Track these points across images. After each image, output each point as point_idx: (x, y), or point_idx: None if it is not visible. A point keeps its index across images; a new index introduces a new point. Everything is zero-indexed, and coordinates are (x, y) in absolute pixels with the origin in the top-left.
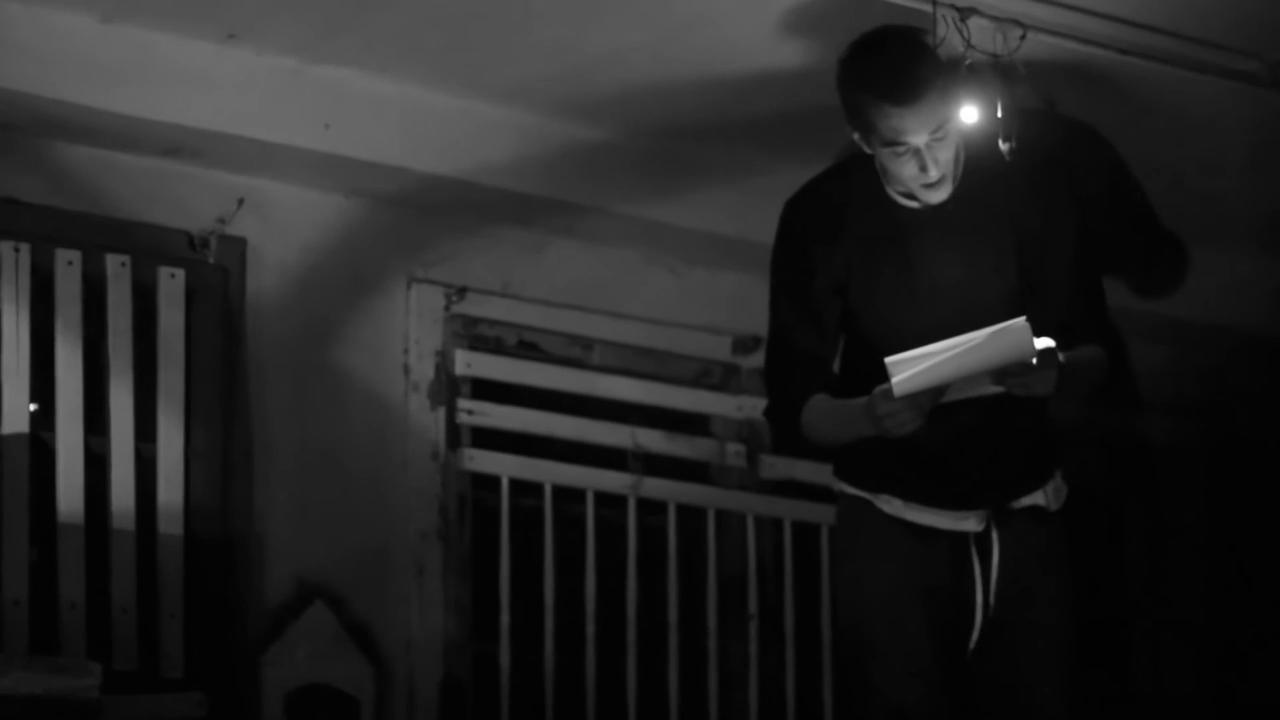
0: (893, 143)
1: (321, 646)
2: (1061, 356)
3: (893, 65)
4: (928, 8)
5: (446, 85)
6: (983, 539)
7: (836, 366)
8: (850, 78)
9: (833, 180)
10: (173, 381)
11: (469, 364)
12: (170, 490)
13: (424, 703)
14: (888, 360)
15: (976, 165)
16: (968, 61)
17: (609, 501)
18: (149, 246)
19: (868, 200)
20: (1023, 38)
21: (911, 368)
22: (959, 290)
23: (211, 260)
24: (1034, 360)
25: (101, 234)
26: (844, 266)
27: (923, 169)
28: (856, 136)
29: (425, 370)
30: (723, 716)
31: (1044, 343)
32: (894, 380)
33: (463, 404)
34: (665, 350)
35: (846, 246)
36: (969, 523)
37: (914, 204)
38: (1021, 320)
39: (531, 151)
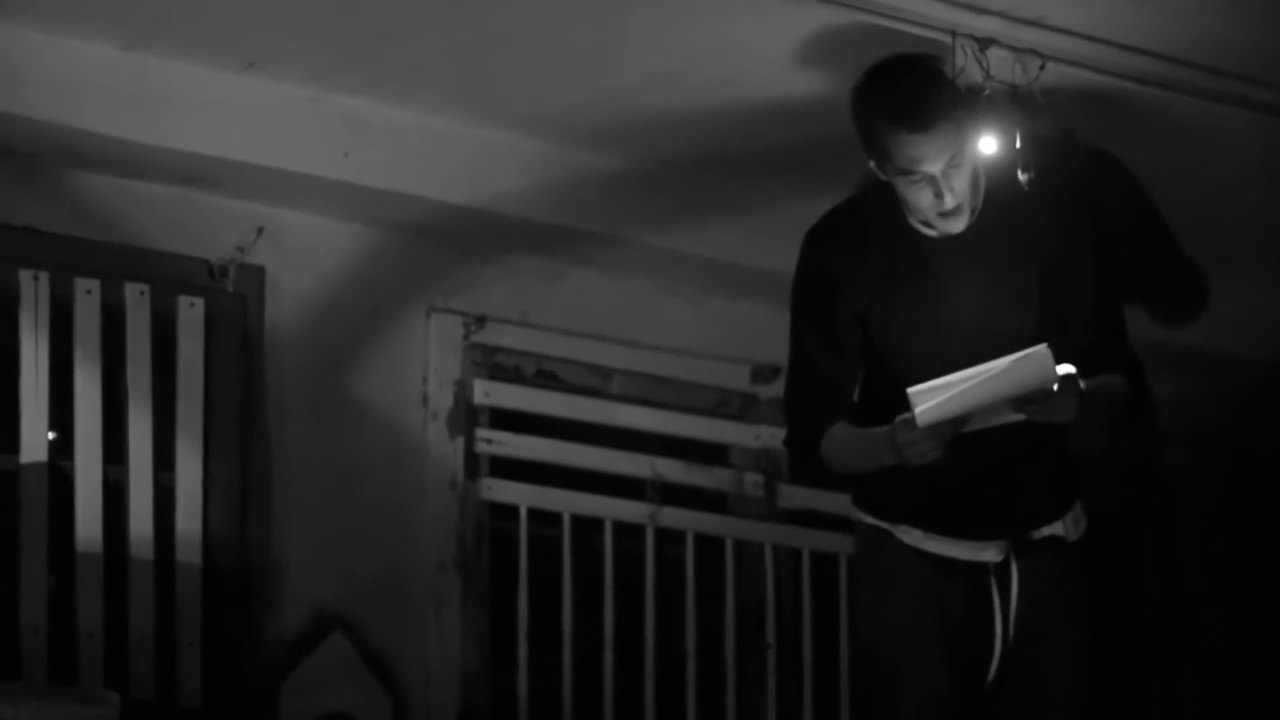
0: (908, 171)
1: (339, 676)
2: (1083, 384)
3: (908, 92)
4: (947, 38)
5: (465, 114)
6: (1002, 570)
7: (856, 395)
8: (865, 105)
9: (854, 209)
10: (191, 410)
11: (487, 393)
12: (188, 519)
13: None
14: (910, 390)
15: (997, 194)
16: (987, 92)
17: (627, 531)
18: (168, 275)
19: (889, 229)
20: (1042, 68)
21: (934, 397)
22: (980, 319)
23: (230, 289)
24: (1055, 387)
25: (120, 263)
26: (865, 295)
27: (938, 196)
28: (872, 164)
29: (444, 399)
30: None
31: (1065, 369)
32: (917, 410)
33: (481, 433)
34: (684, 380)
35: (868, 275)
36: (988, 553)
37: (934, 233)
38: (1043, 347)
39: (550, 181)
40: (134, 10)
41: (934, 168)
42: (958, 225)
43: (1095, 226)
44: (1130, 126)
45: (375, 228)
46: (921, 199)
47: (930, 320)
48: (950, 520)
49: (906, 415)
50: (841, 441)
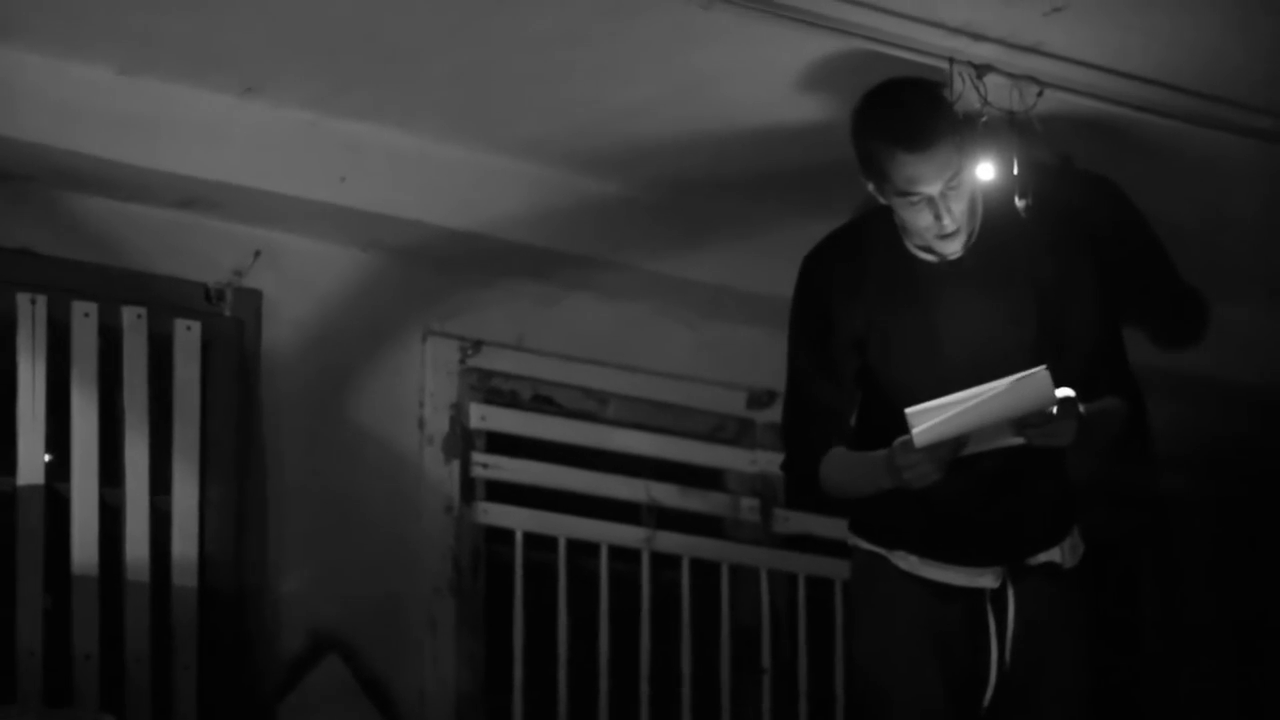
0: (907, 192)
1: (335, 699)
2: (1082, 408)
3: (907, 114)
4: (944, 65)
5: (463, 139)
6: (998, 596)
7: (854, 420)
8: (864, 127)
9: (852, 234)
10: (188, 434)
11: (484, 417)
12: (184, 542)
13: None
14: (908, 411)
15: (995, 220)
16: (984, 119)
17: (623, 555)
18: (165, 299)
19: (887, 254)
20: (1040, 95)
21: (932, 418)
22: (978, 343)
23: (227, 312)
24: (1055, 409)
25: (118, 286)
26: (863, 321)
27: (937, 218)
28: (871, 187)
29: (440, 423)
30: None
31: (1064, 392)
32: (915, 431)
33: (477, 457)
34: (680, 404)
35: (865, 301)
36: (985, 579)
37: (932, 258)
38: (1042, 368)
39: (547, 205)
40: (131, 33)
41: (933, 189)
42: (954, 247)
43: (1093, 252)
44: (1128, 153)
45: (372, 252)
46: (920, 221)
47: (928, 345)
48: (947, 546)
49: (905, 438)
50: (839, 465)
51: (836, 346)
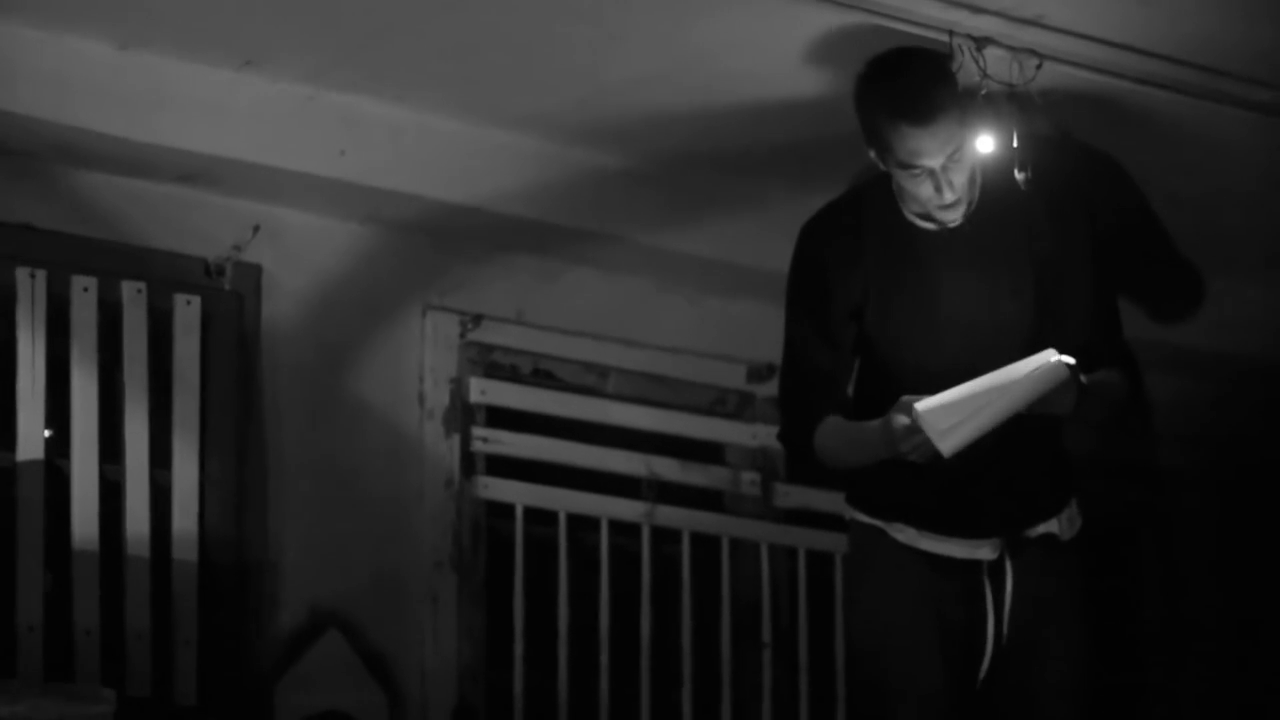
0: (909, 164)
1: (335, 674)
2: (1082, 377)
3: (911, 86)
4: (944, 38)
5: (462, 112)
6: (996, 568)
7: (851, 389)
8: (869, 97)
9: (849, 204)
10: (188, 408)
11: (484, 391)
12: (185, 517)
13: None
14: (919, 408)
15: (994, 190)
16: (984, 91)
17: (623, 529)
18: (164, 273)
19: (884, 224)
20: (1039, 67)
21: (951, 417)
22: (975, 312)
23: (227, 287)
24: None
25: (117, 261)
26: (860, 289)
27: (938, 190)
28: (873, 154)
29: (440, 398)
30: None
31: (1066, 362)
32: (937, 434)
33: (477, 431)
34: (680, 378)
35: (863, 270)
36: (983, 551)
37: (930, 226)
38: (1058, 360)
39: (547, 179)
40: (130, 8)
41: (934, 162)
42: (955, 217)
43: (1091, 224)
44: (1128, 126)
45: (371, 226)
46: (921, 192)
47: (926, 312)
48: (945, 518)
49: (903, 419)
50: (836, 434)
51: (834, 314)
